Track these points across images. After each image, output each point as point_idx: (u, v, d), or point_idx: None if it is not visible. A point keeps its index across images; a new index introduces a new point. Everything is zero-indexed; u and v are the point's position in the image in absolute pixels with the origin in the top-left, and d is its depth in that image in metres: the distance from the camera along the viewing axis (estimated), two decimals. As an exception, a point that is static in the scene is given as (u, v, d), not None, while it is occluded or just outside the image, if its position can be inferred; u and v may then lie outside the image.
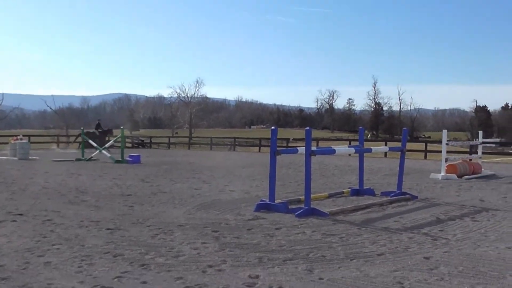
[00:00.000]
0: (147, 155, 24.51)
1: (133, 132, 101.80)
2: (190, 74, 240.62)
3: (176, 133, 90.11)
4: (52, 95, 69.31)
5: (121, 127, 22.37)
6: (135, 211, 7.72)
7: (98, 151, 20.21)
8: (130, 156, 19.20)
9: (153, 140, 41.70)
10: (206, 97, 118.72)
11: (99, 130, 29.37)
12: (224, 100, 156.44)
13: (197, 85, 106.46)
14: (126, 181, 12.01)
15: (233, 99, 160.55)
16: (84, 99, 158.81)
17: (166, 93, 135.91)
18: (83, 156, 20.21)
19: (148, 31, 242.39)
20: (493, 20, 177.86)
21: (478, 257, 4.95)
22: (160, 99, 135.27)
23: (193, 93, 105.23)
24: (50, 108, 69.59)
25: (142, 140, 42.48)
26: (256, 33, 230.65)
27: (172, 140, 45.31)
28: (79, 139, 28.22)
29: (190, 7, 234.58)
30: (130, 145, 37.71)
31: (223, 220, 6.91)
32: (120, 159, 18.88)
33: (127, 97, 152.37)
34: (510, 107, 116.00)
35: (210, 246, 5.35)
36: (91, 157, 19.96)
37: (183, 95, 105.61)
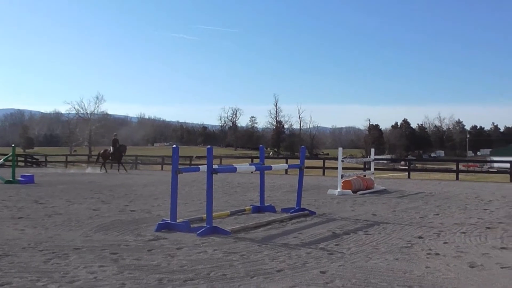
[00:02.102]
0: (41, 174, 23.17)
1: (26, 150, 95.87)
2: (89, 90, 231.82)
3: (75, 151, 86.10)
4: None
5: (13, 144, 20.97)
6: (27, 234, 7.26)
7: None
8: (22, 176, 18.05)
9: (48, 159, 39.53)
10: (107, 114, 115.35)
11: (116, 146, 27.63)
12: (126, 116, 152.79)
13: (97, 101, 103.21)
14: (17, 203, 11.27)
15: (135, 116, 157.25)
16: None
17: (63, 109, 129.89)
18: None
19: (43, 42, 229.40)
20: (383, 48, 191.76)
21: (370, 269, 5.25)
22: (57, 115, 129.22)
23: (93, 110, 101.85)
24: None
25: (37, 159, 40.11)
26: (157, 49, 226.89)
27: (70, 158, 43.10)
28: (100, 159, 28.49)
29: (90, 21, 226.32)
30: (23, 163, 35.52)
31: (122, 242, 6.71)
32: (11, 179, 17.69)
33: (20, 112, 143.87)
34: (399, 126, 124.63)
35: (108, 269, 5.16)
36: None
37: (82, 112, 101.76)
